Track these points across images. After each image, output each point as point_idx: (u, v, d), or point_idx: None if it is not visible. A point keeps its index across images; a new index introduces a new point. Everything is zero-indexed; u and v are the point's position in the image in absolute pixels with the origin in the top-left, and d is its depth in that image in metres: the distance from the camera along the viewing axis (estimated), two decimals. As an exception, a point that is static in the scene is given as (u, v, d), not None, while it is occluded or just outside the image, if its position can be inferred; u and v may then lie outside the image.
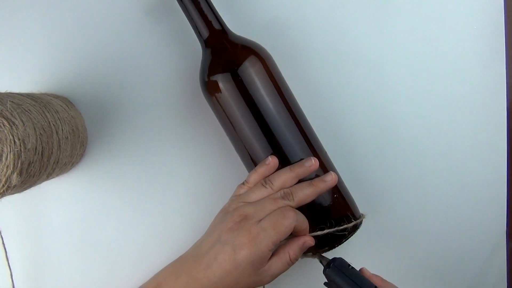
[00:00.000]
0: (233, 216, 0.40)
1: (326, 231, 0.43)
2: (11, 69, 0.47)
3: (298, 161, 0.43)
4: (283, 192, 0.42)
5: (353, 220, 0.44)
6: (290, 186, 0.42)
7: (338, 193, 0.45)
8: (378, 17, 0.51)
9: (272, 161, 0.43)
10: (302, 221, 0.41)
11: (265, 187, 0.42)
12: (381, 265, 0.51)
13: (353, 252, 0.50)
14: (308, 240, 0.42)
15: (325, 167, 0.45)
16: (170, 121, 0.49)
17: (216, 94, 0.43)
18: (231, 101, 0.43)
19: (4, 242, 0.45)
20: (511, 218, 0.53)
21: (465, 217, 0.52)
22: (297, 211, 0.41)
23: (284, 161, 0.43)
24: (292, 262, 0.41)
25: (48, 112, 0.40)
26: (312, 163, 0.42)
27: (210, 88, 0.44)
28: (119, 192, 0.49)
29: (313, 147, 0.45)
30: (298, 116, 0.45)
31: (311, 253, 0.45)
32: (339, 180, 0.45)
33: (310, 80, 0.50)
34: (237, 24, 0.48)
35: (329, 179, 0.43)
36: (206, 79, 0.44)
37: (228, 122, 0.44)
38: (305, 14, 0.50)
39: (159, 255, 0.49)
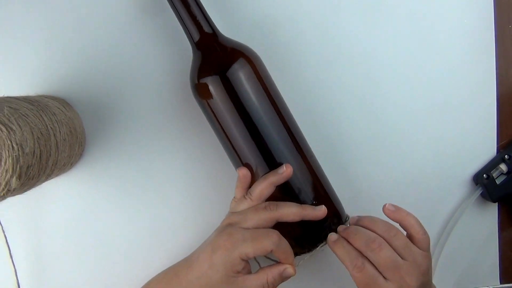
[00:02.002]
0: (222, 224, 0.44)
1: (307, 255, 0.44)
2: (8, 71, 0.48)
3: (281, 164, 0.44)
4: (268, 202, 0.43)
5: (335, 222, 0.45)
6: (269, 194, 0.43)
7: (324, 193, 0.45)
8: (367, 15, 0.51)
9: (241, 172, 0.44)
10: (284, 249, 0.41)
11: (246, 198, 0.44)
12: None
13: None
14: (288, 269, 0.41)
15: (312, 169, 0.45)
16: (165, 118, 0.50)
17: (206, 96, 0.44)
18: (220, 104, 0.43)
19: (8, 240, 0.46)
20: (502, 210, 0.54)
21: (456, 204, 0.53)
22: (282, 237, 0.41)
23: (272, 163, 0.44)
24: (268, 285, 0.40)
25: (45, 115, 0.41)
26: (284, 169, 0.43)
27: (200, 91, 0.44)
28: (118, 190, 0.50)
29: (300, 148, 0.45)
30: (286, 118, 0.45)
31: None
32: (326, 181, 0.46)
33: (300, 81, 0.51)
34: (228, 26, 0.48)
35: (320, 210, 0.43)
36: (196, 82, 0.44)
37: (217, 124, 0.45)
38: (294, 15, 0.50)
39: (158, 250, 0.50)
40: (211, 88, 0.43)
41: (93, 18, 0.49)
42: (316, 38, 0.51)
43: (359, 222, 0.43)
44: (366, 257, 0.40)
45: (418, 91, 0.52)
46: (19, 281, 0.47)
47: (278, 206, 0.42)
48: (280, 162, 0.44)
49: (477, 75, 0.52)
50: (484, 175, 0.52)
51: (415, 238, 0.41)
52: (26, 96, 0.43)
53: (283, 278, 0.41)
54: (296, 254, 0.44)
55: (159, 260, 0.47)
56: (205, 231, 0.48)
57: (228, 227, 0.42)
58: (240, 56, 0.44)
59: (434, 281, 0.52)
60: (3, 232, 0.46)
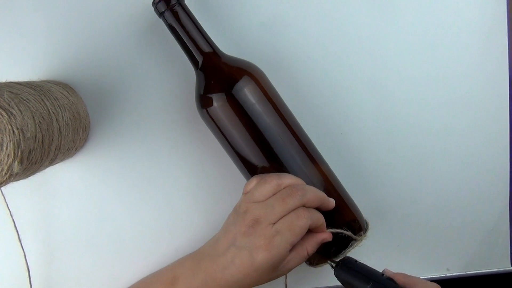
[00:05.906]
0: (245, 219, 0.40)
1: (341, 230, 0.43)
2: (11, 57, 0.48)
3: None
4: (290, 189, 0.40)
5: (359, 226, 0.45)
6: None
7: (342, 202, 0.45)
8: (376, 14, 0.50)
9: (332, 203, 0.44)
10: (317, 218, 0.41)
11: (272, 182, 0.41)
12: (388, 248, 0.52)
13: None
14: (327, 237, 0.42)
15: (327, 178, 0.45)
16: (171, 102, 0.50)
17: (213, 116, 0.43)
18: (227, 122, 0.43)
19: (16, 225, 0.47)
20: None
21: (468, 189, 0.53)
22: (310, 209, 0.41)
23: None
24: (309, 255, 0.42)
25: (48, 100, 0.41)
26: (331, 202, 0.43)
27: (206, 110, 0.44)
28: (123, 173, 0.50)
29: (313, 158, 0.45)
30: (296, 131, 0.44)
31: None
32: (342, 190, 0.46)
33: (306, 92, 0.50)
34: (230, 45, 0.48)
35: (332, 200, 0.43)
36: (203, 105, 0.44)
37: (226, 142, 0.44)
38: (297, 28, 0.50)
39: (165, 235, 0.50)
40: (216, 106, 0.43)
41: (98, 2, 0.48)
42: (322, 45, 0.50)
43: None
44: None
45: (433, 87, 0.51)
46: (29, 265, 0.48)
47: (304, 191, 0.41)
48: (294, 172, 0.43)
49: (488, 55, 0.51)
50: None
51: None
52: (28, 81, 0.43)
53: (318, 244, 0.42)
54: (319, 263, 0.45)
55: (168, 244, 0.47)
56: (215, 206, 0.50)
57: (256, 226, 0.39)
58: (244, 74, 0.43)
59: (443, 260, 0.51)
60: (11, 216, 0.47)
